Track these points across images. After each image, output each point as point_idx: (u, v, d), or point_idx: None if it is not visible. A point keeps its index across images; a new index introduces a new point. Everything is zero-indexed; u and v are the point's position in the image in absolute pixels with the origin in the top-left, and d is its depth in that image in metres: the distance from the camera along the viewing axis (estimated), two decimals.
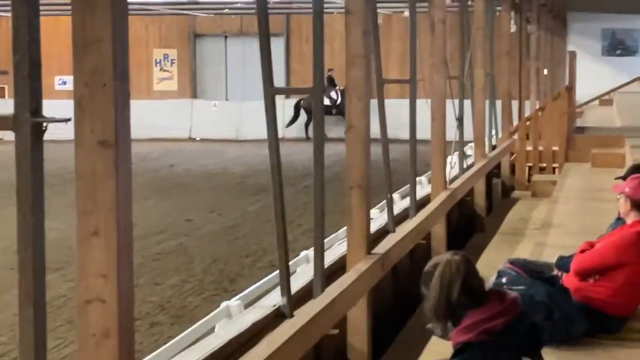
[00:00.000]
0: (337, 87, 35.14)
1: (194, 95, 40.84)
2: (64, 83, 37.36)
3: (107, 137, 3.87)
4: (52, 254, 14.25)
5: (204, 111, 39.48)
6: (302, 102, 35.17)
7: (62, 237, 15.41)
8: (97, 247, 3.94)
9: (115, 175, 3.88)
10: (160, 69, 41.01)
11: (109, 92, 3.86)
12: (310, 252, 9.00)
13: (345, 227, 8.59)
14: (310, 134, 26.23)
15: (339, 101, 33.62)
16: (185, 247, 16.15)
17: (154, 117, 38.02)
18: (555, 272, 7.51)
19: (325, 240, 9.19)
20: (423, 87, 14.47)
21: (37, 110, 3.79)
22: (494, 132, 19.74)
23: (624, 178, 7.84)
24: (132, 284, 4.22)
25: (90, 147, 3.90)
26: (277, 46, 38.48)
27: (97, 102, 3.87)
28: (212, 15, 39.30)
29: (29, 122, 3.76)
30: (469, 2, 17.66)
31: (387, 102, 10.68)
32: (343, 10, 8.38)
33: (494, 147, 18.84)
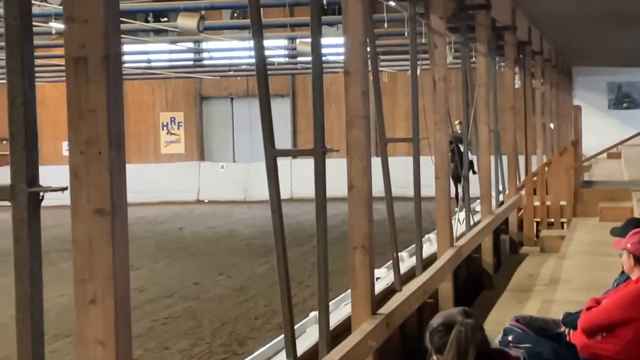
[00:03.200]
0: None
1: (202, 157, 40.99)
2: None
3: (104, 206, 3.88)
4: (60, 321, 14.25)
5: (212, 173, 39.58)
6: None
7: (71, 303, 15.37)
8: (94, 315, 3.95)
9: (112, 243, 3.89)
10: (168, 132, 41.23)
11: (105, 160, 3.88)
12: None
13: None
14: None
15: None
16: (193, 310, 16.09)
17: (161, 180, 38.17)
18: (562, 329, 7.47)
19: (332, 302, 9.18)
20: (429, 145, 14.53)
21: (33, 180, 3.81)
22: (500, 187, 19.74)
23: (622, 231, 7.77)
24: (130, 351, 4.20)
25: (87, 215, 3.91)
26: (284, 106, 38.70)
27: (92, 171, 3.89)
28: (218, 77, 39.56)
29: (26, 192, 3.78)
30: (472, 59, 17.77)
31: (394, 159, 10.73)
32: None
33: (501, 203, 18.83)
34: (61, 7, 22.92)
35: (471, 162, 25.57)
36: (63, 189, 3.93)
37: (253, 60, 31.51)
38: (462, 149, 24.53)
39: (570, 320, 7.38)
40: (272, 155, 7.02)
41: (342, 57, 29.20)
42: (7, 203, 3.83)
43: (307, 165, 34.55)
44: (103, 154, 3.88)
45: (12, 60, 3.78)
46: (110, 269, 3.89)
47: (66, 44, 3.91)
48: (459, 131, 26.98)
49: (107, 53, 3.87)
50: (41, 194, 3.85)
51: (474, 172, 23.41)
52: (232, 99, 41.10)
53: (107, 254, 3.90)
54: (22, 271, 3.80)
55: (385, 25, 22.08)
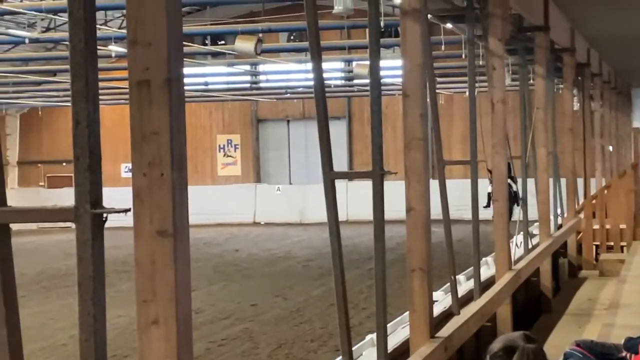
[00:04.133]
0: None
1: (258, 179, 41.15)
2: (131, 170, 37.82)
3: (166, 227, 3.90)
4: (120, 342, 14.36)
5: (268, 195, 39.71)
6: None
7: (130, 323, 15.49)
8: (156, 336, 3.95)
9: (174, 264, 3.90)
10: (224, 155, 41.45)
11: (167, 182, 3.90)
12: (375, 336, 8.93)
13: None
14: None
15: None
16: (250, 332, 16.11)
17: (218, 203, 38.36)
18: (624, 354, 7.36)
19: (389, 324, 9.13)
20: (486, 167, 14.45)
21: (97, 201, 3.85)
22: (559, 210, 19.56)
23: None
24: None
25: (149, 237, 3.93)
26: (340, 128, 38.74)
27: (155, 193, 3.91)
28: (274, 99, 39.73)
29: (90, 214, 3.81)
30: (530, 81, 17.67)
31: (450, 182, 10.67)
32: None
33: (559, 226, 18.65)
34: (121, 31, 23.21)
35: (515, 193, 25.19)
36: (126, 211, 3.96)
37: (309, 83, 31.64)
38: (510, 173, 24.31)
39: (632, 345, 7.27)
40: (330, 177, 7.02)
41: (398, 80, 29.26)
42: (67, 224, 3.87)
43: (363, 187, 34.48)
44: (165, 175, 3.90)
45: (77, 82, 3.82)
46: (172, 290, 3.90)
47: (129, 67, 3.94)
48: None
49: (170, 76, 3.89)
50: (104, 215, 3.88)
51: (518, 204, 23.05)
52: (288, 121, 41.24)
53: (169, 276, 3.91)
54: (85, 292, 3.82)
55: (443, 47, 22.08)
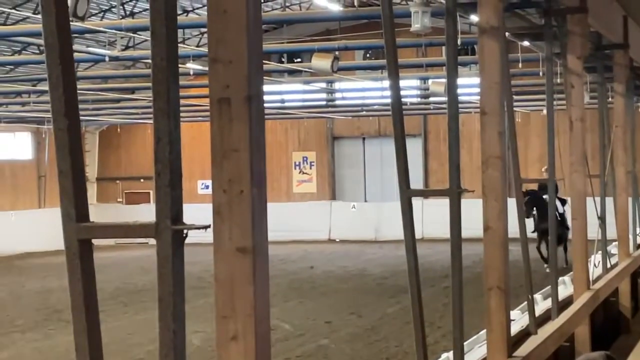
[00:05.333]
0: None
1: (333, 196, 41.20)
2: (207, 187, 38.22)
3: (245, 244, 3.92)
4: (196, 357, 14.45)
5: (343, 212, 39.74)
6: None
7: (205, 339, 15.60)
8: (236, 352, 3.97)
9: (253, 281, 3.92)
10: (300, 172, 41.60)
11: (247, 199, 3.92)
12: (451, 355, 8.88)
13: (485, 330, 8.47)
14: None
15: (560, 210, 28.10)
16: (325, 349, 16.12)
17: (293, 219, 38.46)
18: None
19: (466, 343, 9.07)
20: (564, 186, 14.30)
21: (177, 217, 3.89)
22: (638, 230, 19.28)
23: None
24: None
25: (229, 253, 3.95)
26: (415, 146, 38.66)
27: (234, 209, 3.93)
28: (350, 117, 39.80)
29: (170, 230, 3.85)
30: (609, 99, 17.47)
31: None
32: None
33: (639, 246, 18.38)
34: (199, 48, 23.46)
35: (562, 216, 24.67)
36: (206, 227, 3.99)
37: (385, 101, 31.56)
38: (546, 199, 23.84)
39: None
40: (407, 195, 7.02)
41: (474, 97, 29.03)
42: (144, 240, 3.91)
43: (438, 205, 34.40)
44: (245, 192, 3.92)
45: (159, 100, 3.87)
46: (251, 306, 3.92)
47: (210, 84, 3.98)
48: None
49: (250, 93, 3.92)
50: (185, 231, 3.92)
51: (567, 228, 22.60)
52: (364, 138, 41.27)
53: (248, 292, 3.93)
54: (166, 307, 3.86)
55: (520, 65, 21.94)
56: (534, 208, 24.93)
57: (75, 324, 4.05)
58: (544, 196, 24.53)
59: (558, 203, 24.85)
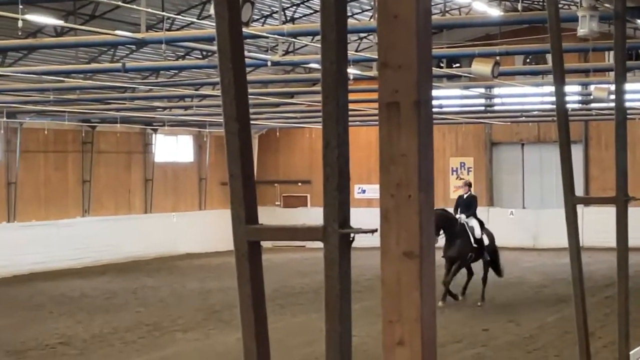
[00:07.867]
0: None
1: (491, 202, 40.77)
2: (363, 192, 38.36)
3: (412, 248, 3.90)
4: None
5: (501, 219, 39.25)
6: None
7: (361, 343, 15.64)
8: (401, 356, 3.96)
9: (420, 286, 3.90)
10: (457, 177, 41.30)
11: (414, 203, 3.89)
12: None
13: None
14: None
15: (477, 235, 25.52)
16: (482, 356, 15.97)
17: None
18: None
19: (631, 353, 8.86)
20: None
21: (344, 221, 3.91)
22: None
23: None
24: None
25: (396, 257, 3.94)
26: (576, 153, 37.79)
27: (402, 214, 3.92)
28: (509, 123, 39.34)
29: (337, 233, 3.88)
30: None
31: None
32: None
33: None
34: (358, 53, 23.58)
35: (480, 241, 23.24)
36: (373, 231, 4.00)
37: (545, 106, 31.04)
38: (460, 219, 22.55)
39: None
40: (572, 202, 6.90)
41: (638, 103, 28.30)
42: (300, 243, 3.94)
43: (599, 213, 33.73)
44: (413, 197, 3.90)
45: (328, 104, 3.91)
46: (418, 311, 3.90)
47: (380, 89, 3.97)
48: (467, 194, 25.00)
49: (419, 98, 3.90)
50: (351, 235, 3.94)
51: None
52: (522, 144, 40.74)
53: (415, 297, 3.91)
54: (332, 310, 3.89)
55: None
56: (442, 230, 22.81)
57: (244, 327, 4.11)
58: (457, 216, 23.46)
59: (475, 224, 23.66)
